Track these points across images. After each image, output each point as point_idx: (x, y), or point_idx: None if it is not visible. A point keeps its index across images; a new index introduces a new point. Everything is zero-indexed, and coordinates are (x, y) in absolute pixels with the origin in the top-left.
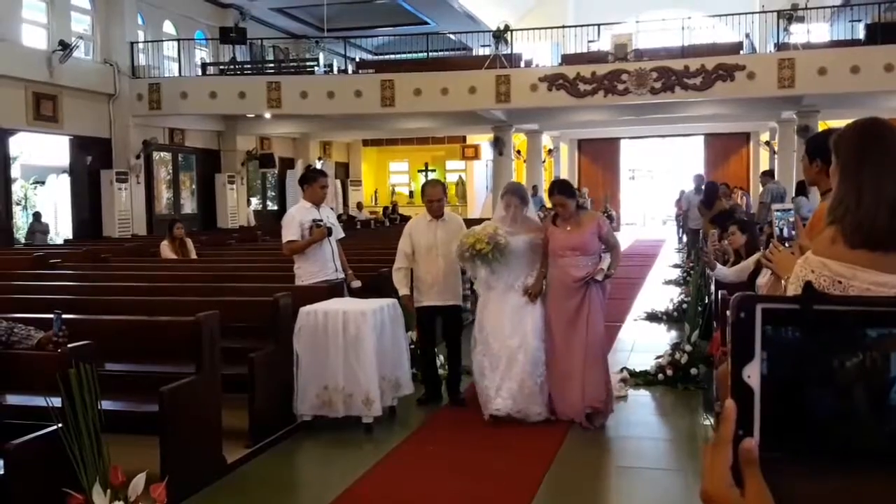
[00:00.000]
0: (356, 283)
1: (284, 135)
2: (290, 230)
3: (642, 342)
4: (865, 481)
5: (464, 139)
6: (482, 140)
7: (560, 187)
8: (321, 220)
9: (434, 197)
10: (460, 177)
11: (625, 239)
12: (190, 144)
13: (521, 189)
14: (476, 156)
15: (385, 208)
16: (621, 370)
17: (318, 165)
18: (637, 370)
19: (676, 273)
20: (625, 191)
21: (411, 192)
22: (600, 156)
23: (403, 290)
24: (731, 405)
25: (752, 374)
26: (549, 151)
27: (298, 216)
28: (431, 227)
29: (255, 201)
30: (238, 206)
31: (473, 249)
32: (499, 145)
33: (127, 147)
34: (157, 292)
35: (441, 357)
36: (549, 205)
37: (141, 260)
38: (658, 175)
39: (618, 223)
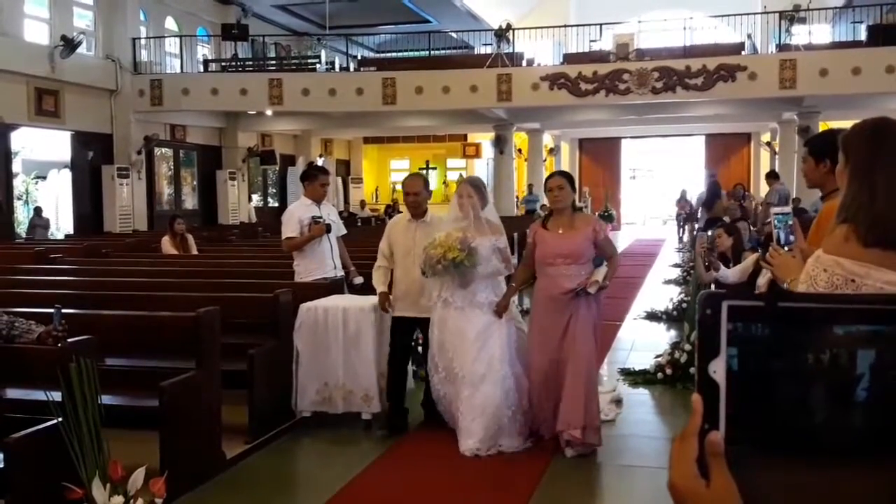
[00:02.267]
0: (358, 280)
1: (286, 132)
2: (290, 226)
3: (642, 341)
4: (830, 474)
5: (465, 137)
6: (483, 138)
7: (560, 172)
8: (320, 217)
9: (411, 189)
10: (461, 175)
11: (625, 238)
12: (191, 140)
13: (479, 182)
14: (477, 154)
15: (387, 206)
16: (614, 389)
17: (320, 163)
18: (636, 369)
19: (676, 273)
20: (625, 190)
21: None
22: (601, 155)
23: (381, 287)
24: (697, 399)
25: (718, 369)
26: (551, 150)
27: (298, 213)
28: (410, 229)
29: (256, 198)
30: (239, 202)
31: (445, 260)
32: (500, 144)
33: (128, 143)
34: (158, 288)
35: (413, 366)
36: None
37: (142, 255)
38: (659, 175)
39: (618, 222)
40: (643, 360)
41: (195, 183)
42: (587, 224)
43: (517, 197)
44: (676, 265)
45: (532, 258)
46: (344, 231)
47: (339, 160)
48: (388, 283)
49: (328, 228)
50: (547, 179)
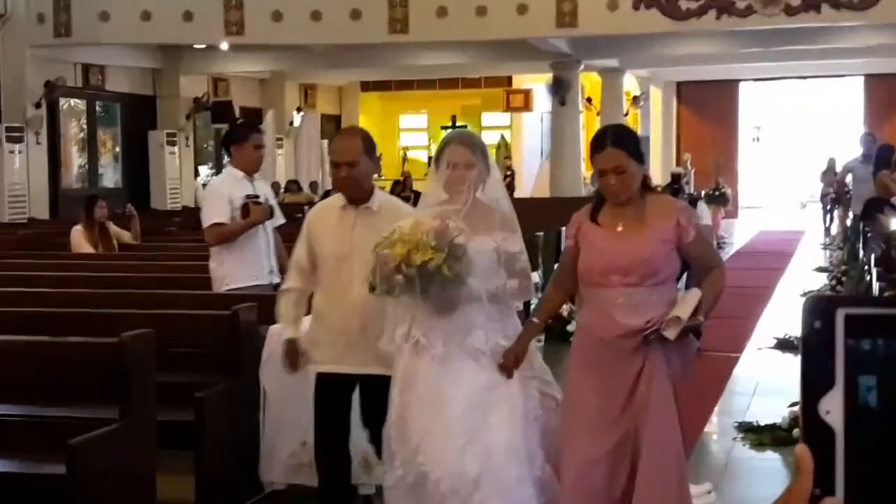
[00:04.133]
0: None
1: (249, 74)
2: (216, 209)
3: (769, 381)
4: None
5: (509, 81)
6: (536, 82)
7: (615, 136)
8: (258, 197)
9: (343, 156)
10: (502, 136)
11: (745, 230)
12: (113, 88)
13: (479, 142)
14: (526, 106)
15: (394, 182)
16: (709, 491)
17: (297, 119)
18: (761, 423)
19: (822, 280)
20: (745, 158)
21: (431, 159)
22: (710, 106)
23: (289, 330)
24: (803, 452)
25: (833, 408)
26: (635, 99)
27: (226, 189)
28: (346, 221)
29: (205, 171)
30: (181, 176)
31: (409, 266)
32: (560, 90)
33: (21, 92)
34: (66, 301)
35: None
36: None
37: (42, 255)
38: (796, 136)
39: (734, 206)
40: (771, 410)
41: (118, 149)
42: (667, 215)
43: (585, 170)
44: (822, 269)
45: (571, 273)
46: (281, 220)
47: (325, 115)
48: (300, 319)
49: (270, 213)
50: (594, 150)
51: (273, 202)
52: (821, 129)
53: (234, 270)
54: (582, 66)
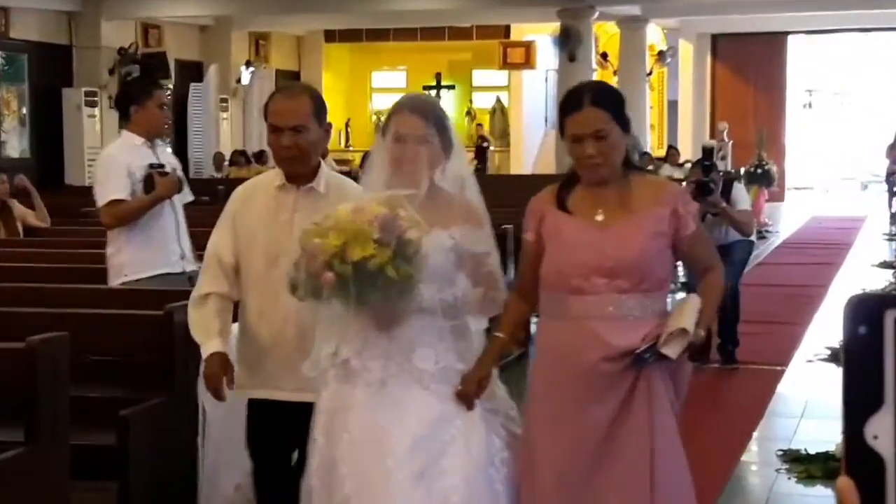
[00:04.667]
0: None
1: (186, 20)
2: (113, 183)
3: (820, 401)
4: None
5: (506, 32)
6: (539, 33)
7: (596, 93)
8: (163, 166)
9: (288, 120)
10: (498, 99)
11: (794, 215)
12: (19, 35)
13: (436, 110)
14: (528, 62)
15: (365, 154)
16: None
17: (246, 75)
18: (809, 451)
19: (887, 277)
20: (794, 128)
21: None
22: (751, 65)
23: (211, 344)
24: (847, 487)
25: (882, 431)
26: (660, 55)
27: (124, 159)
28: (283, 206)
29: None
30: (103, 145)
31: (343, 263)
32: (569, 43)
33: None
34: None
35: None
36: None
37: None
38: (854, 101)
39: (781, 187)
40: (822, 435)
41: (25, 111)
42: (659, 200)
43: None
44: (886, 264)
45: (533, 276)
46: (190, 196)
47: (280, 72)
48: (226, 331)
49: (179, 186)
50: (568, 110)
51: (181, 173)
52: (886, 94)
53: (136, 258)
54: (596, 14)
